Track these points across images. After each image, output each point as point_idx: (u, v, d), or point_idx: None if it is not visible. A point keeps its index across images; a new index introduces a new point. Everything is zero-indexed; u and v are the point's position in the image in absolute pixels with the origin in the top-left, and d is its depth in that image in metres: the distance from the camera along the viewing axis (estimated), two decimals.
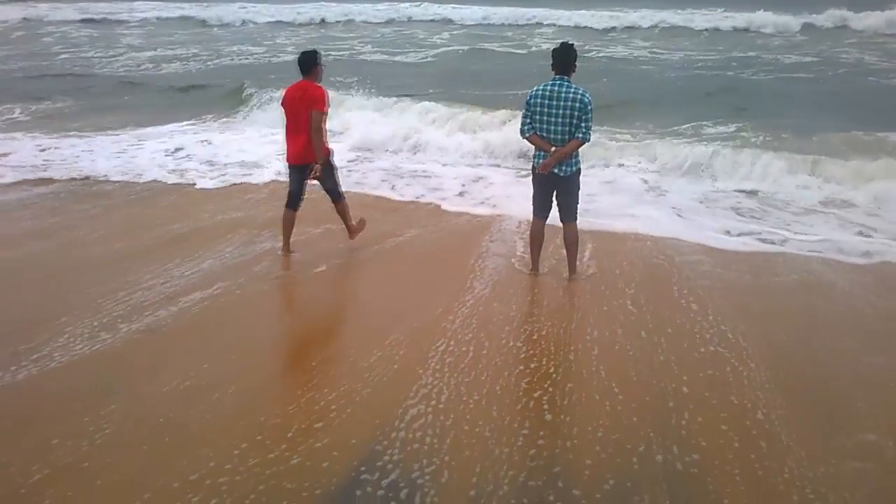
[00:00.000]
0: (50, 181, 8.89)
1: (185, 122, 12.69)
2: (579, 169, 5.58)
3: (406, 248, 6.66)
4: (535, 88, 5.44)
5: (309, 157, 5.88)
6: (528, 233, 6.03)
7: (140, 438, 3.65)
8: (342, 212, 6.35)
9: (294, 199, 6.14)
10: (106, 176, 9.13)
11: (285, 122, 5.98)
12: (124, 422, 3.78)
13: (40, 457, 3.49)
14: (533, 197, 5.79)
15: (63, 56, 22.48)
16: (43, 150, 10.31)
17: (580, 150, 5.46)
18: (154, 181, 8.96)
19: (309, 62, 5.82)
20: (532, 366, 4.42)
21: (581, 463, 3.49)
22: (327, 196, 6.31)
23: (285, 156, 6.14)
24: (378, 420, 3.81)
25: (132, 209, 7.82)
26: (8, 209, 7.82)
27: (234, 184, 8.85)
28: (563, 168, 5.46)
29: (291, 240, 6.27)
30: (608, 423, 3.80)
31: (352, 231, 6.44)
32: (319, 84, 5.90)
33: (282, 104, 5.99)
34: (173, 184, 8.87)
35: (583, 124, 5.30)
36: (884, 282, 6.02)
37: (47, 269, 6.02)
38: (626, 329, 4.91)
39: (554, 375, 4.31)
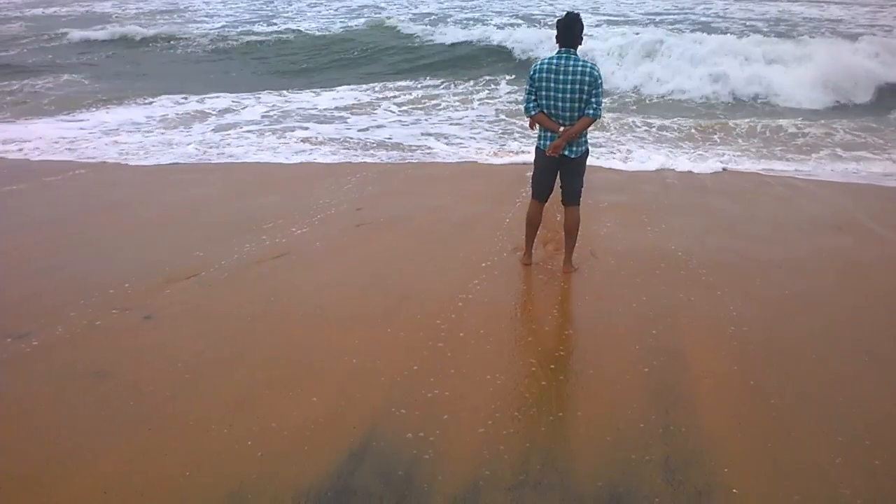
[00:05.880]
0: None
1: None
2: (587, 150, 5.21)
3: None
4: (538, 62, 4.98)
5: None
6: (525, 216, 5.53)
7: None
8: None
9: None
10: None
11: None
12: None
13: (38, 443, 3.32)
14: (533, 178, 5.34)
15: None
16: None
17: (589, 128, 5.08)
18: None
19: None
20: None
21: None
22: None
23: None
24: None
25: None
26: None
27: None
28: (573, 148, 5.10)
29: None
30: None
31: None
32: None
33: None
34: None
35: (593, 100, 4.87)
36: None
37: None
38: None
39: None
